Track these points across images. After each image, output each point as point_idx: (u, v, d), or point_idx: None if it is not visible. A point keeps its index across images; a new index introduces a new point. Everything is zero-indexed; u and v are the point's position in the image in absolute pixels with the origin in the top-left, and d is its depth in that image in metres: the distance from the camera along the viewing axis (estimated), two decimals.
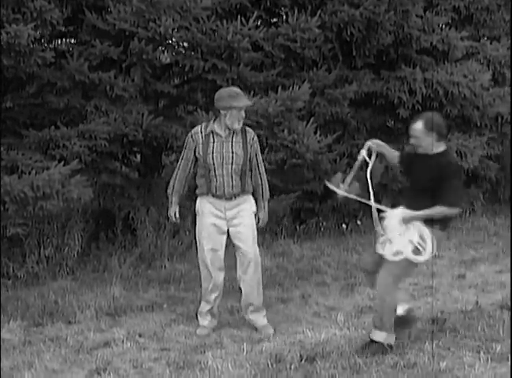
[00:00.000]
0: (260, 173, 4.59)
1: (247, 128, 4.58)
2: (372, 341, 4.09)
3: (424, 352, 4.05)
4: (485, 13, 9.26)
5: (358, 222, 7.77)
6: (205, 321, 4.58)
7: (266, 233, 6.94)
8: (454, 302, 5.16)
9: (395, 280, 4.09)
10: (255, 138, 4.55)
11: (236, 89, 4.57)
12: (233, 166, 4.42)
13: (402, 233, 4.04)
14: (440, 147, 4.12)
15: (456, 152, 7.86)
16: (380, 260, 4.14)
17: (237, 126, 4.41)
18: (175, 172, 4.62)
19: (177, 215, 4.65)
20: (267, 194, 4.65)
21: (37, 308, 4.87)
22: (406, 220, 4.03)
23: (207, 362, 3.92)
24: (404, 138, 8.22)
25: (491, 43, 8.94)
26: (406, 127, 8.54)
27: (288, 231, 7.20)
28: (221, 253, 4.55)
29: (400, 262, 4.03)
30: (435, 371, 3.80)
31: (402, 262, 4.03)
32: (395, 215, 4.11)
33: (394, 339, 4.10)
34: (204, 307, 4.61)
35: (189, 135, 4.55)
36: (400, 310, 4.29)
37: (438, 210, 3.99)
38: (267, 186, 4.65)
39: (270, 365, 3.88)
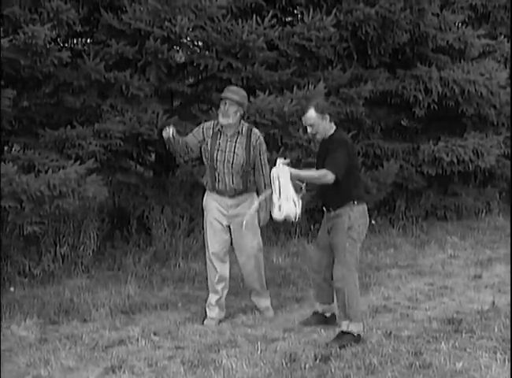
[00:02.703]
0: (263, 174, 4.65)
1: (254, 130, 4.67)
2: (342, 332, 4.21)
3: (440, 352, 4.02)
4: (502, 11, 9.19)
5: (373, 222, 7.74)
6: (212, 313, 4.69)
7: (281, 233, 6.94)
8: (470, 302, 5.11)
9: (350, 268, 4.20)
10: (260, 139, 4.63)
11: (233, 86, 4.81)
12: (233, 165, 4.55)
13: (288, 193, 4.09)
14: (332, 129, 4.30)
15: (472, 151, 7.81)
16: (324, 256, 4.35)
17: (220, 119, 4.52)
18: None
19: (172, 131, 4.44)
20: (267, 192, 4.65)
21: (53, 306, 4.90)
22: (294, 177, 4.07)
23: (221, 361, 3.92)
24: (419, 137, 8.24)
25: (508, 41, 8.87)
26: (422, 126, 8.60)
27: (303, 230, 7.19)
28: (224, 246, 4.68)
29: (343, 249, 4.19)
30: (451, 372, 3.77)
31: (345, 248, 4.18)
32: (285, 173, 4.08)
33: (361, 327, 4.22)
34: (212, 298, 4.71)
35: (201, 125, 4.69)
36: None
37: (320, 172, 4.11)
38: (267, 187, 4.64)
39: (284, 365, 3.87)
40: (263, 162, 4.64)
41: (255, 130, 4.67)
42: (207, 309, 4.72)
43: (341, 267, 4.21)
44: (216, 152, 4.55)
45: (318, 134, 4.30)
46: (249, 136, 4.57)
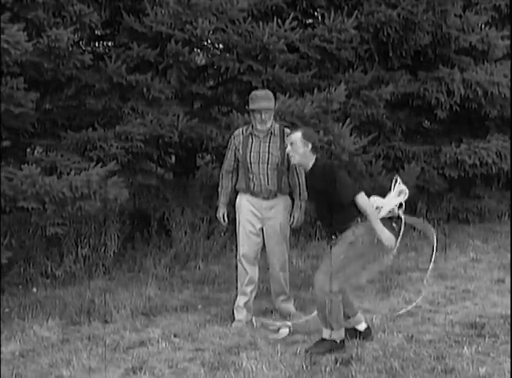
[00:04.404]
0: (297, 174, 4.69)
1: (286, 130, 4.68)
2: (322, 339, 4.17)
3: (463, 357, 3.98)
4: None
5: (393, 225, 7.68)
6: (240, 315, 4.70)
7: (300, 235, 6.92)
8: (493, 306, 5.05)
9: (329, 277, 4.11)
10: None
11: (260, 92, 4.77)
12: (269, 165, 4.57)
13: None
14: (312, 159, 4.25)
15: (495, 153, 7.72)
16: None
17: (259, 127, 4.57)
18: (221, 172, 4.84)
19: (225, 218, 4.79)
20: (304, 194, 4.72)
21: (74, 307, 4.94)
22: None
23: (241, 363, 3.92)
24: (441, 139, 8.16)
25: None
26: (444, 129, 8.50)
27: (322, 232, 7.15)
28: (255, 249, 4.69)
29: (335, 259, 4.11)
30: (474, 377, 3.73)
31: (337, 259, 4.11)
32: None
33: (342, 335, 4.15)
34: (240, 300, 4.73)
35: (232, 136, 4.75)
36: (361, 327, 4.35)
37: (369, 208, 4.14)
38: (304, 186, 4.69)
39: (305, 367, 3.85)
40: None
41: (287, 130, 4.68)
42: (235, 312, 4.73)
43: (323, 275, 4.10)
44: (249, 154, 4.58)
45: (294, 158, 4.24)
46: (282, 136, 4.60)
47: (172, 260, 6.18)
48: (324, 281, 4.10)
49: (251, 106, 4.57)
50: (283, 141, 4.57)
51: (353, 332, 4.35)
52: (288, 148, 4.27)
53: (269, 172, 4.56)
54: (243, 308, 4.71)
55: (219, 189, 4.85)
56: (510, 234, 7.21)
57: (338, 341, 4.14)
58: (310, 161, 4.25)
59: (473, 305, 5.10)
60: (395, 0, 7.09)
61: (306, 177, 4.49)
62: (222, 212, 4.80)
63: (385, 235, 4.14)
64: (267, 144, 4.58)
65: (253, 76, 6.38)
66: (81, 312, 4.84)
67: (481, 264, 6.39)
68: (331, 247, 4.24)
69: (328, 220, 4.24)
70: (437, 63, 7.77)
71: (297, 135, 4.24)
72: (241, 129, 4.74)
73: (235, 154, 4.69)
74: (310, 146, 4.22)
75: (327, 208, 4.18)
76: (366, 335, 4.34)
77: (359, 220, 4.18)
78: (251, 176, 4.60)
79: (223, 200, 4.80)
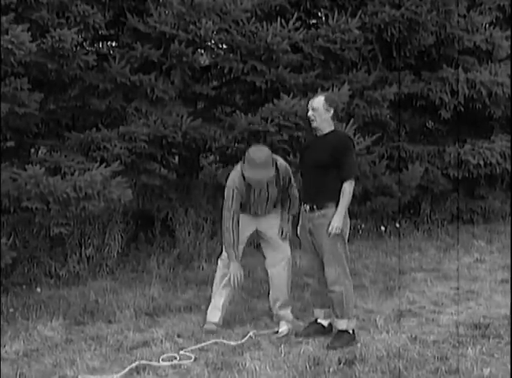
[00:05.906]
0: (290, 194, 4.62)
1: (278, 162, 4.45)
2: (339, 331, 4.24)
3: (467, 358, 3.96)
4: None
5: (397, 225, 7.69)
6: (215, 318, 4.57)
7: None
8: (497, 306, 5.04)
9: (344, 269, 4.23)
10: (286, 169, 4.49)
11: (259, 157, 4.30)
12: (268, 200, 4.52)
13: None
14: (331, 126, 4.29)
15: (500, 154, 7.71)
16: (314, 258, 4.32)
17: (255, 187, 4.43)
18: (225, 212, 4.47)
19: (241, 272, 4.46)
20: (294, 209, 4.66)
21: (78, 307, 4.95)
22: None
23: (245, 364, 3.91)
24: (445, 139, 8.15)
25: None
26: (448, 129, 8.50)
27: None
28: (240, 247, 4.57)
29: (335, 250, 4.17)
30: (478, 377, 3.72)
31: (337, 249, 4.18)
32: None
33: (354, 323, 4.28)
34: (217, 301, 4.61)
35: (229, 181, 4.44)
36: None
37: (347, 190, 4.18)
38: (296, 203, 4.62)
39: (308, 368, 3.85)
40: (292, 183, 4.58)
41: (279, 161, 4.48)
42: (209, 313, 4.62)
43: (334, 269, 4.20)
44: (252, 197, 4.46)
45: (315, 121, 4.26)
46: (277, 173, 4.42)
47: (176, 260, 6.19)
48: (336, 274, 4.20)
49: (247, 173, 4.27)
50: (279, 175, 4.42)
51: (320, 327, 4.45)
52: (310, 112, 4.28)
53: (269, 202, 4.54)
54: (220, 310, 4.57)
55: (226, 238, 4.44)
56: (510, 234, 7.20)
57: (351, 331, 4.23)
58: (328, 127, 4.28)
59: (477, 305, 5.09)
60: (399, 0, 7.08)
61: (304, 148, 4.48)
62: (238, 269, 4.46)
63: (340, 223, 4.16)
64: (265, 189, 4.44)
65: (256, 77, 6.39)
66: (85, 312, 4.85)
67: (485, 264, 6.38)
68: (310, 231, 4.27)
69: (313, 193, 4.24)
70: (441, 63, 7.77)
71: (320, 100, 4.25)
72: (235, 178, 4.39)
73: (240, 196, 4.40)
74: (332, 111, 4.26)
75: (316, 180, 4.20)
76: (329, 330, 4.43)
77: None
78: (250, 204, 4.51)
79: (238, 254, 4.47)
